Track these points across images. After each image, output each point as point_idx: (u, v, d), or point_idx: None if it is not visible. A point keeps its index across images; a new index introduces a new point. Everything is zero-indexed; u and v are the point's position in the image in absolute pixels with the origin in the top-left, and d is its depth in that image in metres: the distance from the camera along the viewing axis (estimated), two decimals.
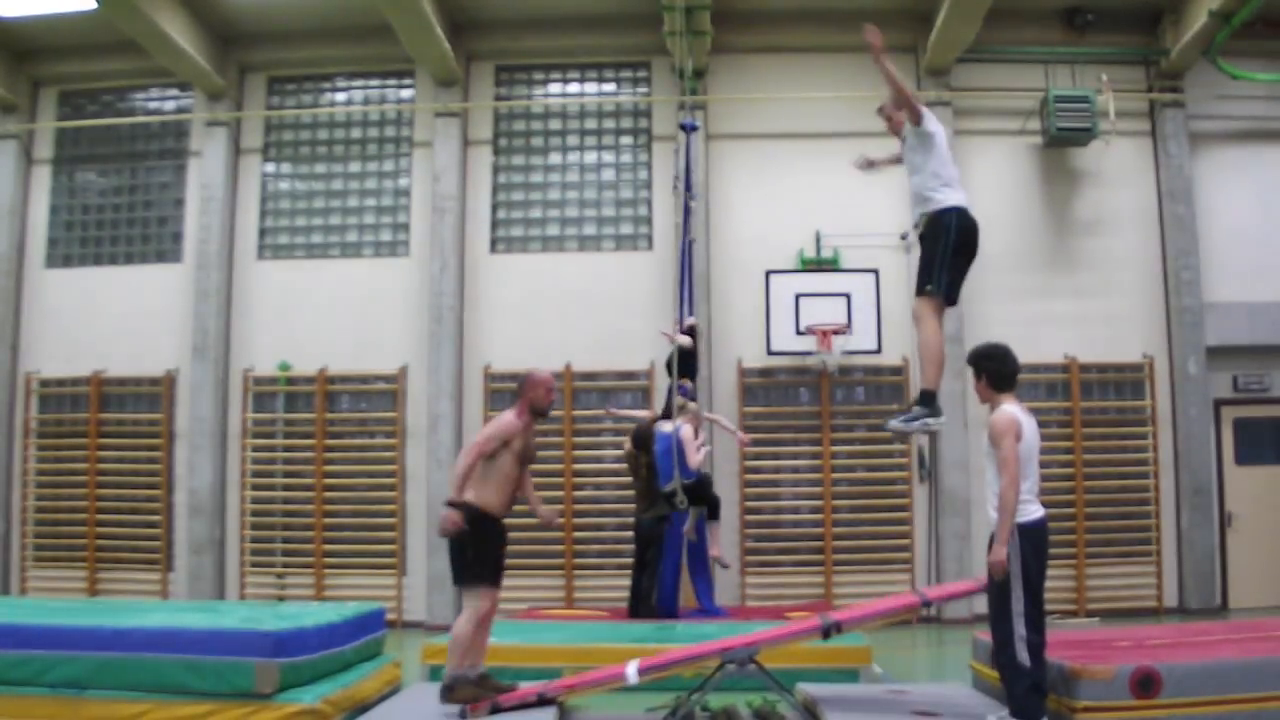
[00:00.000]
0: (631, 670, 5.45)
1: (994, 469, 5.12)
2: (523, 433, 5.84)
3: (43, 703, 5.40)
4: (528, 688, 5.75)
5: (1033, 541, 5.01)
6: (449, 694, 5.60)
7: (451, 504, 5.61)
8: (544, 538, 11.02)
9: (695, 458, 8.82)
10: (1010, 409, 5.20)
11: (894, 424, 5.73)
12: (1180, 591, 10.79)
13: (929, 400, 5.66)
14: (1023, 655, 4.92)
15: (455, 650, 5.61)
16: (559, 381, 11.09)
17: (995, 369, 5.37)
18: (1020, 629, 4.93)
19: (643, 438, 9.21)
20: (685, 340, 9.52)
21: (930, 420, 5.65)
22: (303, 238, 11.83)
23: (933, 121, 5.82)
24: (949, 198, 5.62)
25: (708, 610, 9.46)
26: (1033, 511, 5.07)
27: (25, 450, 11.63)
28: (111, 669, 5.42)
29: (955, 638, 9.36)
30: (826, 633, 5.50)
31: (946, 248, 5.57)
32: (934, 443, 10.79)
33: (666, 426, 9.17)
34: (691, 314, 9.97)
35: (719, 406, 10.69)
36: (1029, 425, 5.18)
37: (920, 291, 5.71)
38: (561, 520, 10.94)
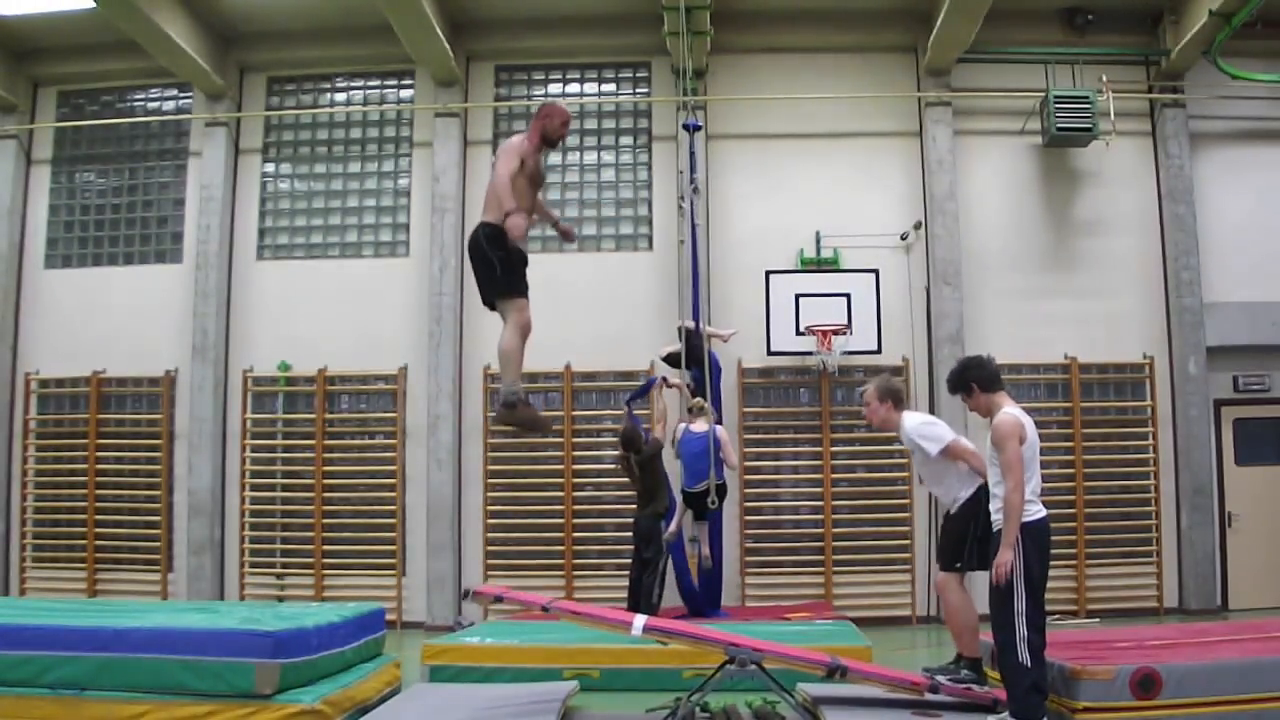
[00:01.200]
0: (637, 624, 5.48)
1: (998, 472, 5.13)
2: (533, 154, 5.76)
3: (43, 703, 5.39)
4: (536, 597, 5.87)
5: (1036, 541, 5.03)
6: (512, 410, 5.54)
7: (496, 222, 5.46)
8: (544, 538, 11.03)
9: (734, 456, 8.94)
10: (1012, 411, 5.22)
11: (940, 680, 5.69)
12: (1180, 592, 10.79)
13: (976, 668, 5.78)
14: (1024, 656, 4.93)
15: (509, 364, 5.55)
16: (559, 382, 11.12)
17: (982, 374, 5.44)
18: (1022, 629, 4.95)
19: (630, 439, 9.25)
20: (674, 350, 9.63)
21: (975, 686, 5.70)
22: (303, 238, 11.82)
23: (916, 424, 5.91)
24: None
25: (691, 601, 9.47)
26: (1035, 512, 5.09)
27: (25, 450, 11.63)
28: (111, 669, 5.41)
29: None
30: (831, 673, 5.50)
31: (974, 539, 5.65)
32: None
33: (698, 427, 9.22)
34: (693, 315, 10.01)
35: (718, 406, 10.66)
36: (1030, 426, 5.21)
37: (947, 568, 5.89)
38: (559, 529, 10.95)
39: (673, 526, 9.25)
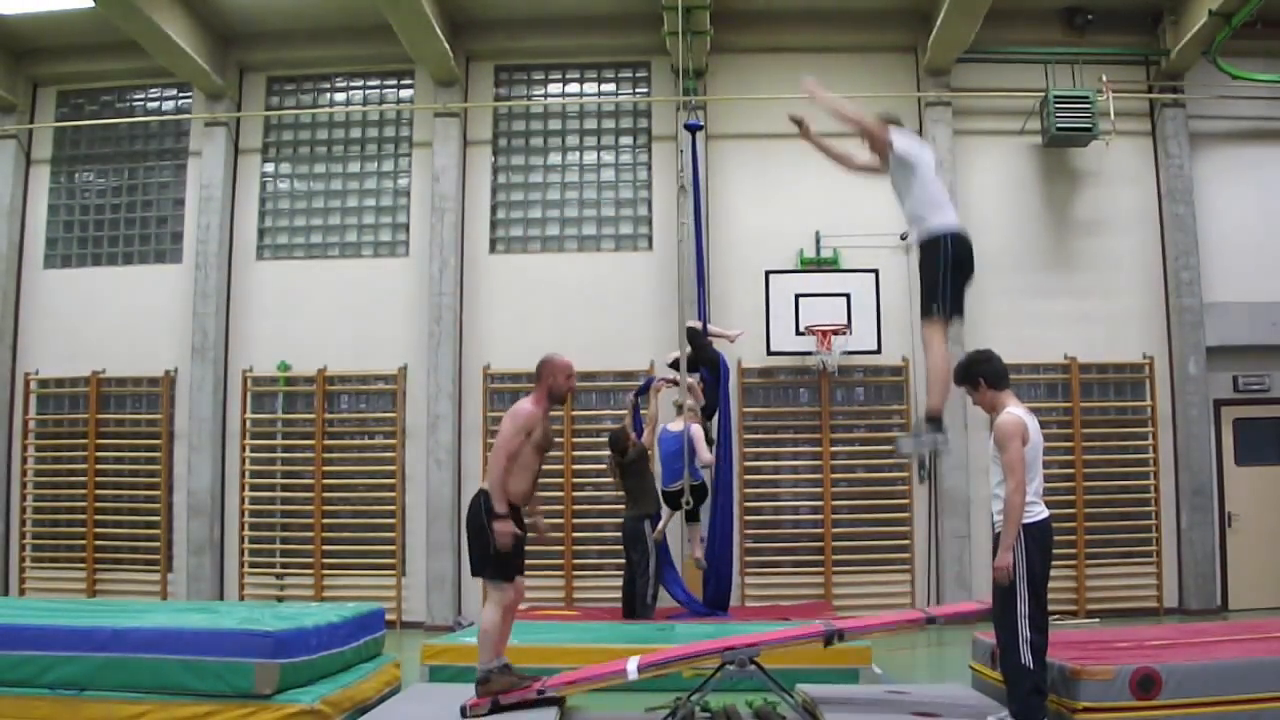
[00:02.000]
0: (632, 666, 5.45)
1: (1000, 471, 5.11)
2: (541, 420, 5.76)
3: (43, 703, 5.40)
4: (526, 690, 5.75)
5: (1038, 542, 5.03)
6: (484, 686, 5.58)
7: (495, 515, 5.49)
8: (543, 537, 11.01)
9: (707, 454, 8.89)
10: (1016, 411, 5.20)
11: (904, 445, 5.72)
12: (1180, 592, 10.79)
13: (937, 423, 5.62)
14: (1026, 657, 4.93)
15: (485, 643, 5.60)
16: None
17: (991, 370, 5.38)
18: (1025, 631, 4.94)
19: (615, 441, 9.27)
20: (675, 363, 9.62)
21: (940, 439, 5.63)
22: (302, 238, 11.82)
23: (905, 142, 5.70)
24: (939, 219, 5.57)
25: (688, 604, 9.45)
26: (1038, 512, 5.09)
27: (24, 451, 11.62)
28: (111, 669, 5.41)
29: (955, 638, 9.35)
30: (829, 640, 5.50)
31: (945, 269, 5.52)
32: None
33: (675, 426, 9.21)
34: (700, 315, 10.01)
35: (726, 408, 10.62)
36: (1034, 426, 5.20)
37: (926, 314, 5.65)
38: (559, 529, 10.94)
39: (659, 527, 9.23)
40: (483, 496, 5.58)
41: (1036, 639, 4.95)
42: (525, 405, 5.75)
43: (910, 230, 5.82)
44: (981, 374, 5.37)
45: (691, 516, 9.37)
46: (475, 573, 5.73)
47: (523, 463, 5.67)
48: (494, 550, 5.50)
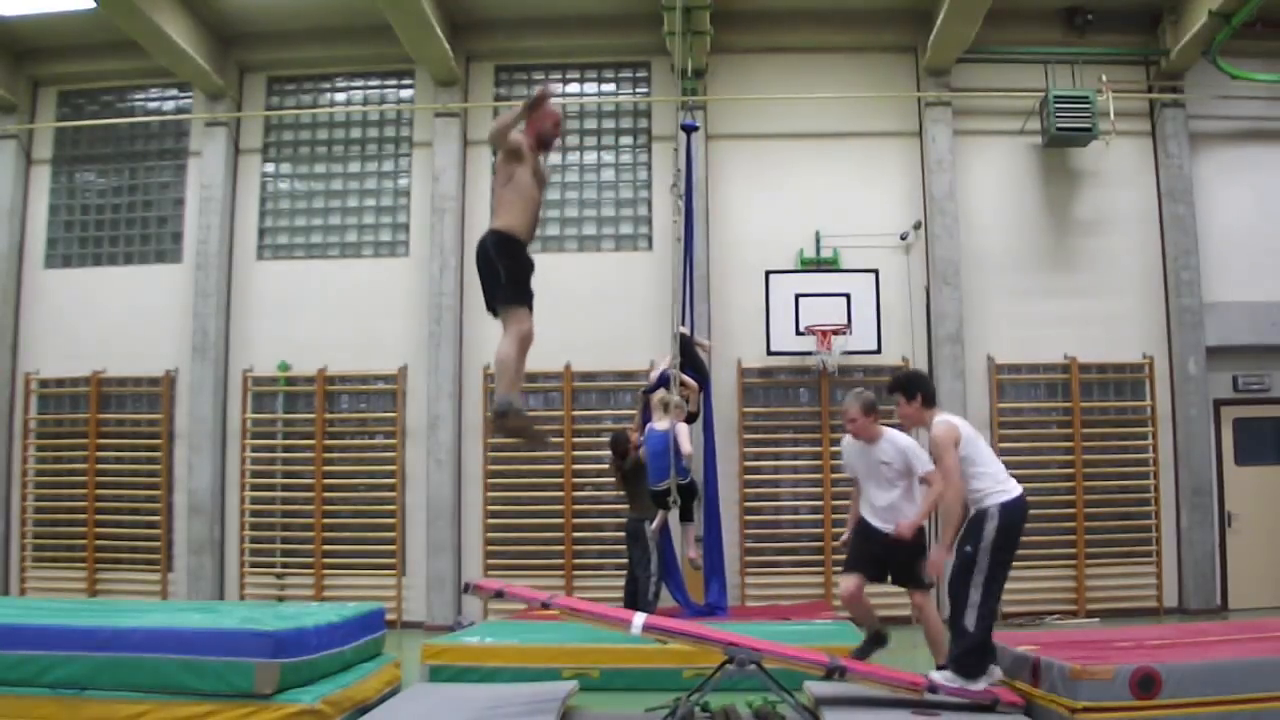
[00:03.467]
0: (637, 622, 5.47)
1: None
2: (531, 151, 5.71)
3: (43, 703, 5.39)
4: (536, 593, 5.95)
5: (1010, 518, 5.38)
6: (503, 419, 5.48)
7: (505, 229, 5.52)
8: (544, 538, 11.04)
9: (688, 445, 8.84)
10: (943, 418, 5.59)
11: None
12: (1180, 591, 10.79)
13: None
14: (970, 620, 5.30)
15: (504, 373, 5.50)
16: (558, 382, 11.12)
17: (928, 390, 5.85)
18: (975, 596, 5.31)
19: (616, 444, 9.26)
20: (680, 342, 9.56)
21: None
22: (302, 238, 11.82)
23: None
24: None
25: (686, 607, 9.44)
26: (1011, 490, 5.45)
27: (25, 451, 11.63)
28: (111, 669, 5.41)
29: None
30: (830, 674, 5.50)
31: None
32: None
33: (661, 425, 9.16)
34: (684, 321, 9.97)
35: (718, 406, 10.64)
36: (963, 425, 5.59)
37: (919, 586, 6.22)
38: (559, 529, 10.94)
39: (655, 524, 9.16)
40: (490, 234, 5.56)
41: (985, 607, 5.30)
42: (515, 134, 5.68)
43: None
44: (921, 390, 5.81)
45: (685, 517, 9.31)
46: (491, 306, 5.64)
47: (526, 194, 5.60)
48: (505, 277, 5.45)
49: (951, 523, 5.33)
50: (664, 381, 9.86)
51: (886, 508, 6.21)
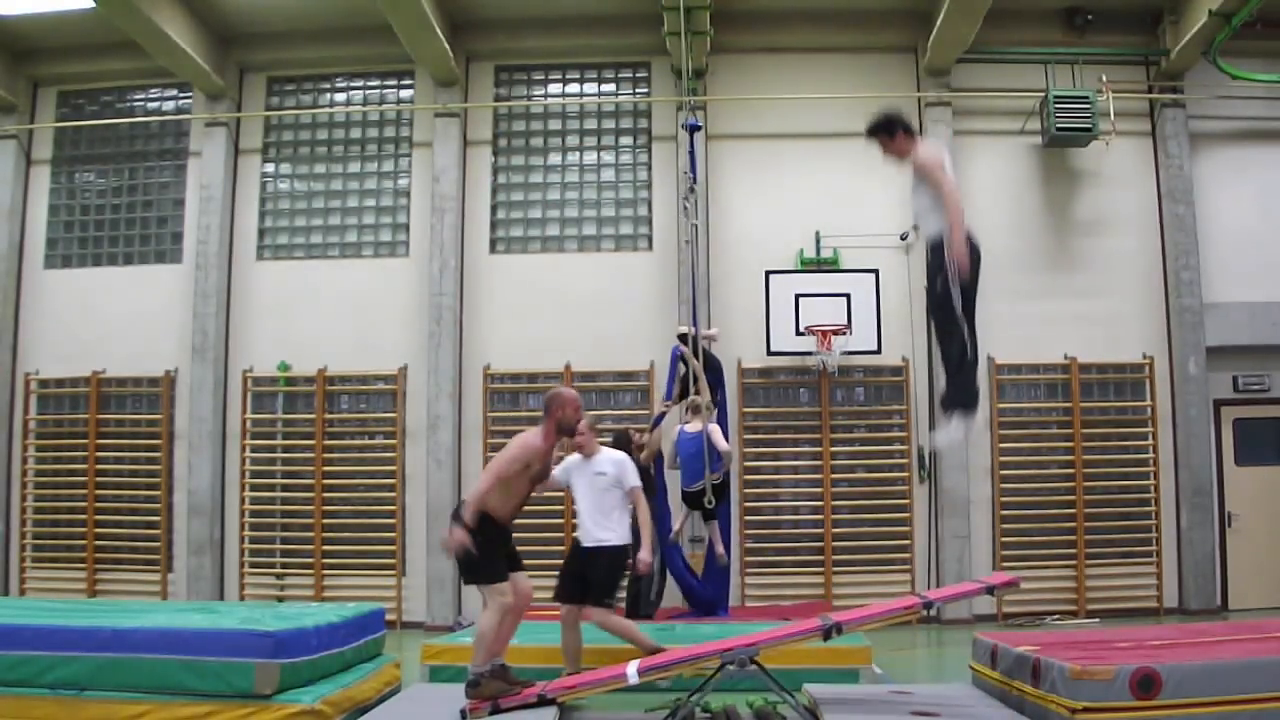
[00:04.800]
0: (632, 671, 5.45)
1: (931, 201, 5.57)
2: (544, 455, 5.92)
3: (43, 703, 5.40)
4: (527, 689, 5.76)
5: (970, 254, 5.51)
6: (473, 689, 5.62)
7: (460, 521, 5.65)
8: (544, 538, 11.02)
9: (725, 443, 8.95)
10: (926, 145, 5.73)
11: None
12: (1180, 592, 10.79)
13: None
14: (967, 348, 5.56)
15: (480, 646, 5.66)
16: (558, 382, 11.11)
17: (906, 123, 5.79)
18: (962, 324, 5.55)
19: (621, 443, 9.24)
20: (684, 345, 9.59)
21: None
22: (303, 238, 11.82)
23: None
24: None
25: (696, 589, 9.44)
26: (969, 236, 5.56)
27: (25, 450, 11.62)
28: (111, 669, 5.42)
29: (955, 638, 9.37)
30: (827, 634, 5.50)
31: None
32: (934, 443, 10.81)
33: (693, 427, 9.19)
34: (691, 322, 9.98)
35: (724, 409, 10.63)
36: (945, 151, 5.79)
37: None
38: (559, 529, 10.94)
39: (676, 526, 9.24)
40: (460, 507, 5.75)
41: (972, 331, 5.57)
42: (534, 440, 5.90)
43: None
44: (902, 128, 5.77)
45: (709, 515, 9.36)
46: (467, 582, 5.92)
47: (514, 489, 5.84)
48: (466, 554, 5.61)
49: (961, 223, 5.43)
50: (673, 376, 9.84)
51: (599, 521, 6.44)
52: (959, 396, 5.69)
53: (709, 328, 10.37)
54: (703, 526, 9.81)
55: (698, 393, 9.39)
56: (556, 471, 6.57)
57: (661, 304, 11.05)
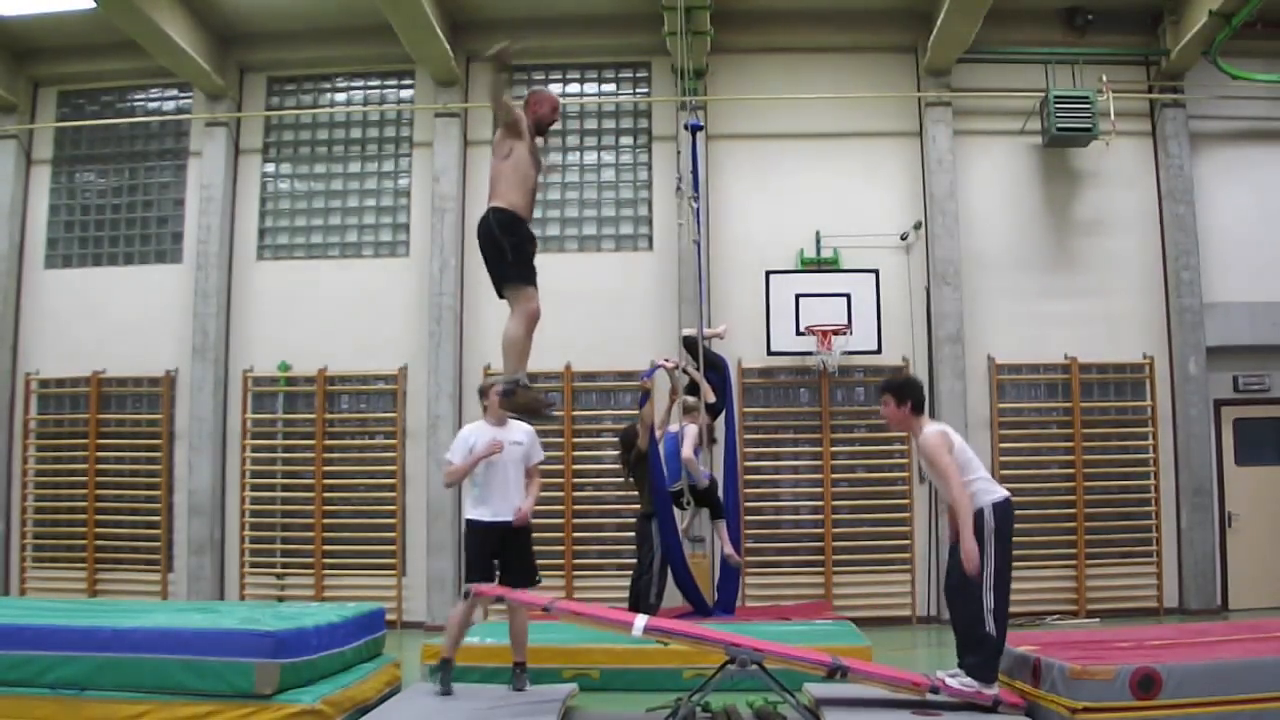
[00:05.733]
0: (639, 624, 5.49)
1: (941, 484, 5.65)
2: (530, 133, 5.78)
3: (43, 703, 5.40)
4: (538, 598, 5.98)
5: (1003, 516, 5.55)
6: (510, 398, 5.63)
7: (508, 207, 5.57)
8: (544, 538, 11.02)
9: (686, 450, 8.86)
10: (932, 428, 5.74)
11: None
12: (1180, 592, 10.79)
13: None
14: (990, 626, 5.40)
15: (512, 352, 5.59)
16: (559, 382, 11.12)
17: (919, 397, 5.86)
18: (989, 601, 5.41)
19: (625, 439, 9.26)
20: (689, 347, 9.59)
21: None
22: (303, 238, 11.82)
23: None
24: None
25: (695, 601, 9.43)
26: (996, 491, 5.59)
27: (25, 450, 11.62)
28: (111, 669, 5.42)
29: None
30: (833, 674, 5.52)
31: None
32: None
33: (674, 427, 9.20)
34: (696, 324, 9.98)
35: (731, 410, 10.61)
36: (953, 432, 5.79)
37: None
38: (559, 529, 10.94)
39: (684, 524, 9.22)
40: (492, 211, 5.58)
41: (1000, 609, 5.43)
42: (515, 108, 5.79)
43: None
44: (911, 398, 5.83)
45: (715, 514, 9.35)
46: (499, 286, 5.65)
47: (524, 174, 5.67)
48: (511, 255, 5.51)
49: (967, 521, 5.44)
50: (651, 374, 9.82)
51: (520, 492, 6.45)
52: (976, 671, 5.49)
53: (709, 326, 10.34)
54: (702, 527, 9.82)
55: (689, 393, 9.36)
56: (461, 444, 6.49)
57: (662, 304, 11.05)
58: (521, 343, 5.56)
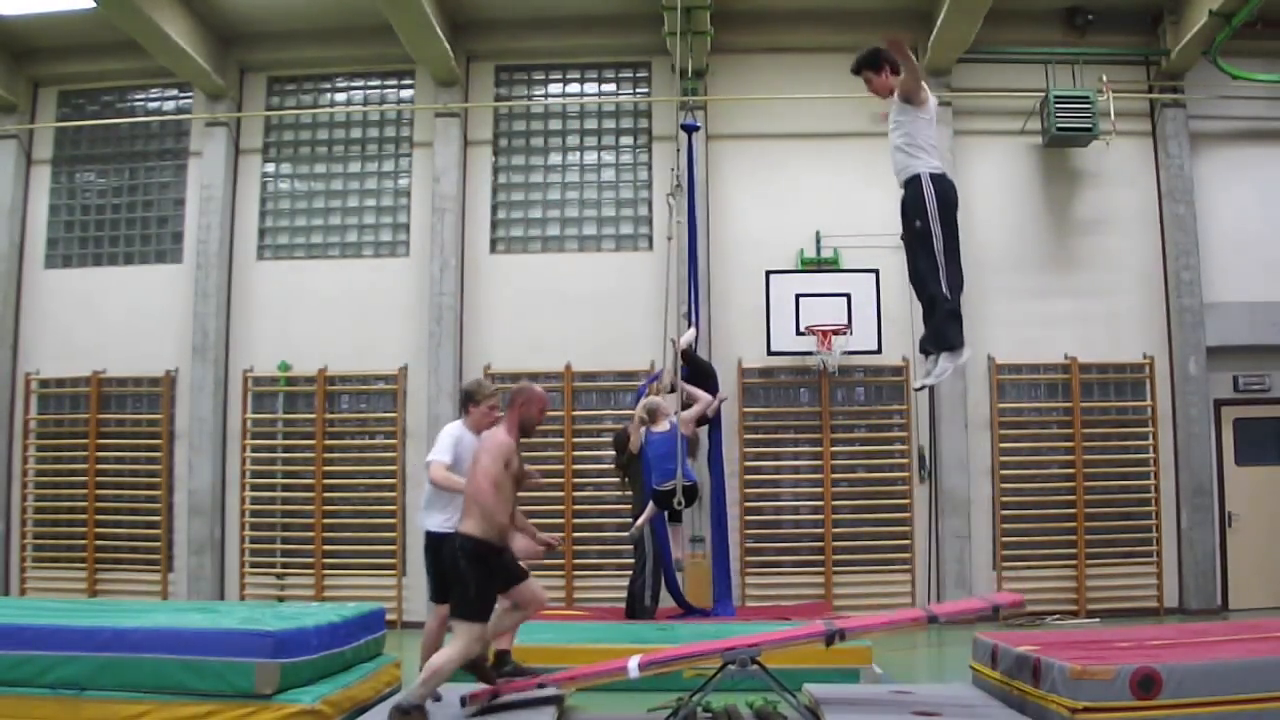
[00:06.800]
0: (633, 665, 5.44)
1: (905, 137, 5.92)
2: (516, 451, 5.59)
3: (43, 703, 5.39)
4: (530, 680, 5.81)
5: (942, 185, 5.72)
6: (402, 715, 5.29)
7: (479, 536, 5.33)
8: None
9: (695, 413, 8.94)
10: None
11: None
12: (1180, 592, 10.79)
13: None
14: (944, 286, 5.58)
15: (430, 679, 5.40)
16: (559, 382, 11.12)
17: (893, 59, 5.88)
18: (941, 261, 5.59)
19: (618, 442, 9.27)
20: (688, 338, 9.62)
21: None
22: (303, 238, 11.82)
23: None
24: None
25: (683, 606, 9.45)
26: (936, 166, 5.78)
27: (25, 450, 11.63)
28: (111, 669, 5.41)
29: (955, 638, 9.36)
30: (830, 639, 5.50)
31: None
32: (934, 443, 10.83)
33: (661, 428, 9.14)
34: (692, 324, 9.99)
35: (718, 416, 10.63)
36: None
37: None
38: (559, 529, 10.93)
39: (638, 523, 9.10)
40: (460, 539, 5.39)
41: (953, 271, 5.59)
42: (499, 435, 5.57)
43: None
44: (889, 60, 5.91)
45: (675, 518, 9.31)
46: (455, 615, 5.43)
47: (507, 496, 5.49)
48: (474, 591, 5.33)
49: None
50: (643, 391, 9.87)
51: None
52: (941, 337, 5.66)
53: (689, 328, 10.23)
54: (700, 527, 9.82)
55: (663, 391, 9.39)
56: (458, 451, 6.08)
57: (661, 304, 11.01)
58: (446, 672, 5.40)
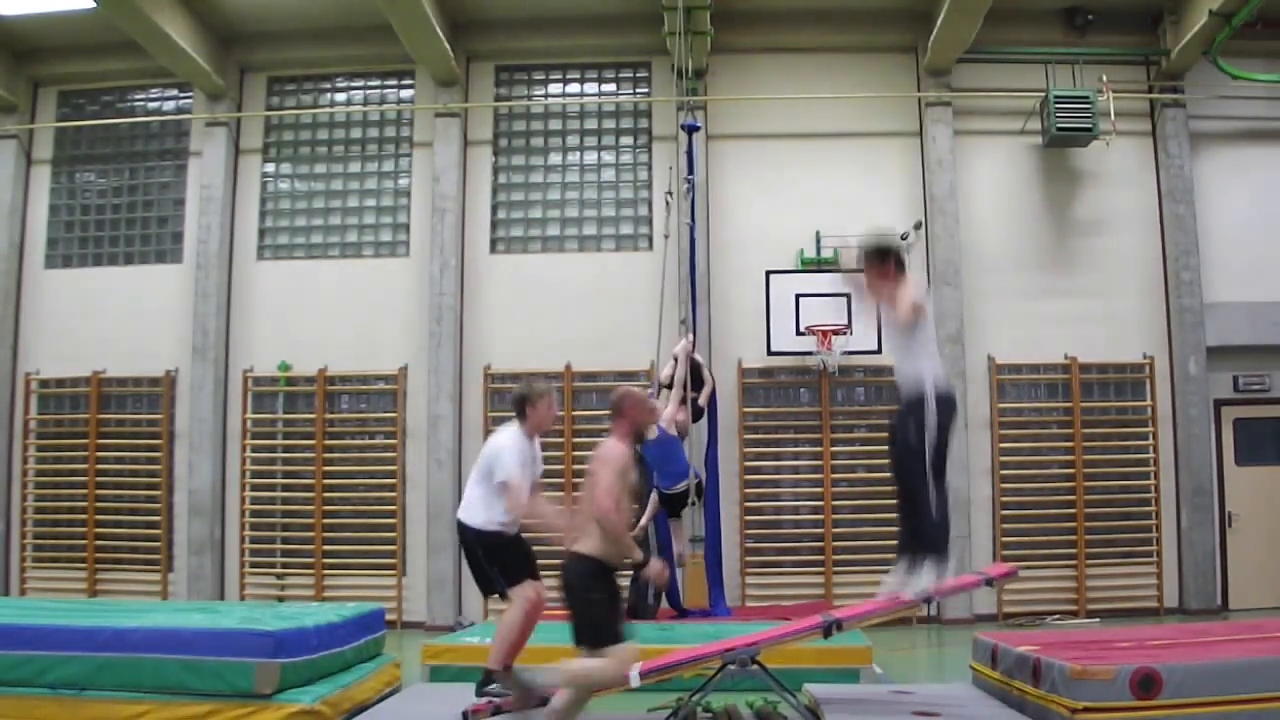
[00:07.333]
0: (634, 673, 5.43)
1: (903, 344, 5.62)
2: (631, 461, 5.29)
3: (43, 703, 5.40)
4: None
5: (947, 407, 5.55)
6: (482, 689, 5.50)
7: (600, 558, 4.98)
8: (545, 538, 11.01)
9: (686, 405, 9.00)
10: (918, 289, 5.61)
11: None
12: (1180, 592, 10.79)
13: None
14: (933, 503, 5.49)
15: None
16: (559, 382, 11.11)
17: (902, 258, 5.75)
18: (930, 481, 5.48)
19: None
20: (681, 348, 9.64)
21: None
22: (303, 238, 11.82)
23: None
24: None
25: (678, 608, 9.48)
26: (940, 376, 5.62)
27: (25, 450, 11.63)
28: (111, 669, 5.42)
29: (955, 638, 9.37)
30: (828, 631, 5.50)
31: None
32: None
33: (650, 434, 9.16)
34: (690, 330, 10.01)
35: (720, 406, 10.65)
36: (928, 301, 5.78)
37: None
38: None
39: (642, 521, 9.13)
40: (577, 560, 5.00)
41: (941, 487, 5.52)
42: (617, 447, 5.18)
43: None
44: (897, 260, 5.68)
45: (675, 515, 9.37)
46: (589, 645, 4.95)
47: (623, 510, 5.11)
48: (603, 614, 4.99)
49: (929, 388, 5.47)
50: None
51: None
52: (929, 542, 5.52)
53: (688, 334, 10.25)
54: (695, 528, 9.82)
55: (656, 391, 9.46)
56: (523, 460, 5.80)
57: (662, 304, 11.03)
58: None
